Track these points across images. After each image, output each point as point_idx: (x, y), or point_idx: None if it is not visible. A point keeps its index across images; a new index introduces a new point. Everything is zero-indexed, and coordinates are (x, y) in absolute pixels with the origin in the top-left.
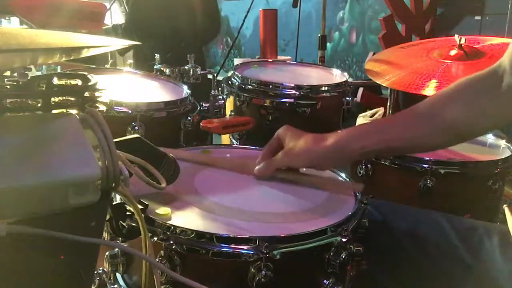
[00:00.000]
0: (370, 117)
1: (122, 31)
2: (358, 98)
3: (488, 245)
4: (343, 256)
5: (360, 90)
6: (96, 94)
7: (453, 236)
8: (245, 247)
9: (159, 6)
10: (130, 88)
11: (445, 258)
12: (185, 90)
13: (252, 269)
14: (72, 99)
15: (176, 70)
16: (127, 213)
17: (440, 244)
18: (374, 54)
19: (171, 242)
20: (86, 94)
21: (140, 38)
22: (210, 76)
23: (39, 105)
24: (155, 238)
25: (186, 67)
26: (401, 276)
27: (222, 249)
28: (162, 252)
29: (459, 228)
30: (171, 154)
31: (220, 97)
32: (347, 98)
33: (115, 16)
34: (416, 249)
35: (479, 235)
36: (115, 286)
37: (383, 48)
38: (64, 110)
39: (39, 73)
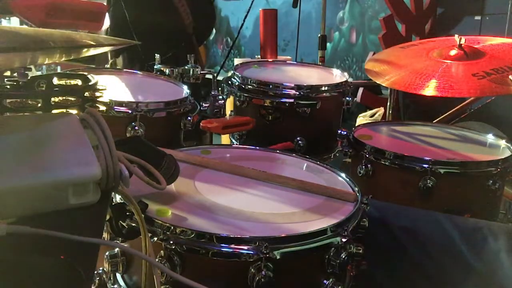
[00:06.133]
0: (370, 117)
1: (113, 32)
2: (358, 98)
3: (493, 245)
4: (343, 256)
5: (360, 90)
6: (96, 94)
7: (456, 236)
8: (245, 247)
9: (150, 5)
10: (130, 88)
11: (447, 258)
12: (185, 90)
13: (252, 269)
14: (72, 99)
15: (176, 70)
16: (127, 213)
17: (442, 244)
18: (374, 54)
19: (171, 242)
20: (86, 94)
21: (138, 38)
22: (210, 76)
23: (39, 105)
24: (155, 238)
25: (186, 67)
26: (402, 277)
27: (222, 249)
28: (162, 252)
29: (462, 228)
30: (171, 154)
31: (220, 97)
32: (347, 98)
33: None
34: (417, 250)
35: (484, 235)
36: (115, 286)
37: (383, 48)
38: (64, 110)
39: (39, 73)
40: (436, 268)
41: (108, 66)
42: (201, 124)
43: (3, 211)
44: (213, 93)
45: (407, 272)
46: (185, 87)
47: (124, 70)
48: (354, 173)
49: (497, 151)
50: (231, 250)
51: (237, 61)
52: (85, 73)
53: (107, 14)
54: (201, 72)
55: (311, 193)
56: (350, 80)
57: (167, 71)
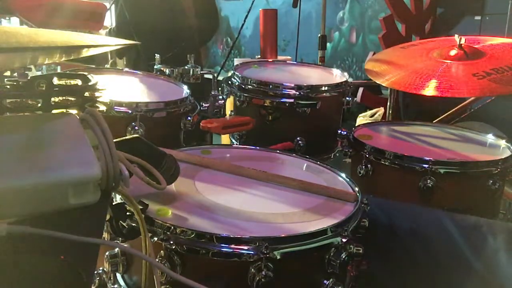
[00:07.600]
0: (370, 117)
1: (117, 32)
2: (358, 98)
3: (493, 243)
4: (343, 257)
5: (360, 90)
6: (96, 94)
7: (456, 235)
8: (245, 247)
9: (155, 6)
10: (130, 88)
11: (447, 257)
12: (185, 90)
13: (252, 269)
14: (72, 99)
15: (176, 70)
16: (127, 213)
17: (442, 243)
18: (374, 54)
19: (171, 242)
20: (86, 94)
21: (139, 38)
22: (210, 76)
23: (39, 105)
24: (155, 238)
25: (186, 67)
26: (402, 276)
27: (222, 249)
28: (162, 252)
29: (462, 226)
30: (171, 154)
31: (220, 97)
32: (347, 98)
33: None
34: (418, 248)
35: (483, 233)
36: (115, 286)
37: (383, 48)
38: (64, 110)
39: (39, 73)
40: (436, 267)
41: (108, 66)
42: (201, 124)
43: (3, 211)
44: (213, 93)
45: (407, 271)
46: (185, 87)
47: (124, 70)
48: (354, 173)
49: (497, 151)
50: (231, 250)
51: (237, 61)
52: (85, 73)
53: (110, 14)
54: (201, 72)
55: (311, 193)
56: (350, 80)
57: (167, 71)
